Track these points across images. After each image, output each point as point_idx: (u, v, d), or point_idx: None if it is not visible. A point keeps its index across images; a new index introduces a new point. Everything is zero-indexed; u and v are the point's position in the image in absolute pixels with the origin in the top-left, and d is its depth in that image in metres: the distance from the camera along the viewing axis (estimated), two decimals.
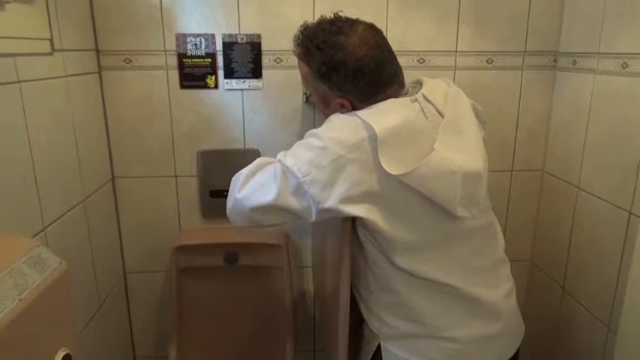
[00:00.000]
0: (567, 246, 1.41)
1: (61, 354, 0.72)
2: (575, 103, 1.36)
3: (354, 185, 0.88)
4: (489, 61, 1.46)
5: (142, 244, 1.52)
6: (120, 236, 1.51)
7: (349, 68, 0.95)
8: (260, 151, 1.47)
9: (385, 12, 1.39)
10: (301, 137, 1.46)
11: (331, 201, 0.89)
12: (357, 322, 1.17)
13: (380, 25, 1.02)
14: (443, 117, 0.94)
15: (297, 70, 1.35)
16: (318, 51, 0.97)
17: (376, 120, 0.88)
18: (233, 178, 1.02)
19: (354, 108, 0.98)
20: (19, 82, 0.95)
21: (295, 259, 1.57)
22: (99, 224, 1.34)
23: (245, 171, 1.01)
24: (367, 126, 0.88)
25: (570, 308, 1.39)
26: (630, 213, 1.14)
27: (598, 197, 1.27)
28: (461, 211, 0.92)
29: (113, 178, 1.45)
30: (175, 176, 1.48)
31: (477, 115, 1.04)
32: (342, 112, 0.97)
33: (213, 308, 1.53)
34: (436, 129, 0.92)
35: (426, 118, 0.93)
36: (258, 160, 1.02)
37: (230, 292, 1.52)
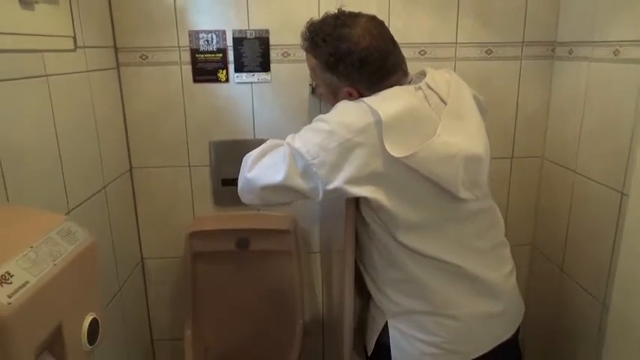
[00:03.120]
0: (565, 228, 1.46)
1: (89, 318, 0.80)
2: (572, 90, 1.42)
3: (361, 167, 0.94)
4: (489, 51, 1.51)
5: (157, 231, 1.60)
6: (137, 224, 1.59)
7: (355, 58, 1.01)
8: None
9: (387, 5, 1.45)
10: None
11: (338, 182, 0.95)
12: (367, 302, 1.23)
13: (382, 18, 1.09)
14: (446, 104, 1.00)
15: (304, 64, 1.43)
16: (324, 43, 1.04)
17: (381, 106, 0.94)
18: (244, 158, 1.10)
19: (362, 96, 1.03)
20: (47, 75, 1.04)
21: (304, 244, 1.64)
22: (118, 212, 1.43)
23: (255, 152, 1.09)
24: (373, 111, 0.94)
25: (568, 288, 1.44)
26: (622, 194, 1.19)
27: (593, 180, 1.32)
28: (463, 193, 0.97)
29: (131, 169, 1.54)
30: (189, 166, 1.56)
31: (479, 104, 1.09)
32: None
33: (226, 291, 1.61)
34: (439, 116, 0.98)
35: (430, 105, 0.99)
36: (268, 142, 1.10)
37: (242, 276, 1.60)
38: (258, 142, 1.51)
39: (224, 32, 1.45)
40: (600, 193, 1.28)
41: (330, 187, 0.96)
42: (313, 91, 1.47)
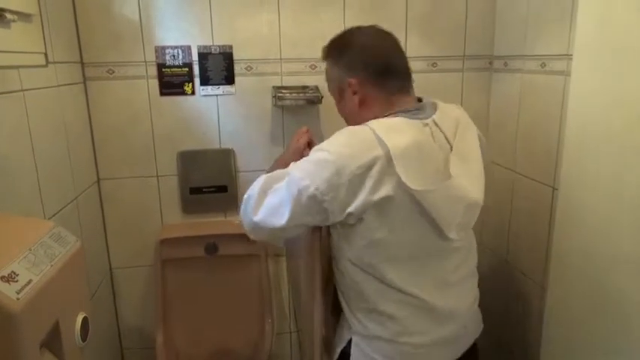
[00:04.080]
0: (508, 223, 1.62)
1: (81, 316, 0.85)
2: (508, 99, 1.59)
3: (369, 196, 0.92)
4: (434, 64, 1.66)
5: (126, 241, 1.64)
6: (105, 234, 1.62)
7: (358, 47, 1.07)
8: (235, 150, 1.62)
9: (342, 23, 1.57)
10: (272, 136, 1.64)
11: (350, 209, 0.94)
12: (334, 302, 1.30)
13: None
14: (451, 145, 1.01)
15: (266, 77, 1.54)
16: (332, 44, 1.12)
17: (390, 137, 0.93)
18: (245, 198, 1.06)
19: (365, 95, 1.05)
20: (22, 90, 1.08)
21: (271, 247, 1.72)
22: (87, 223, 1.45)
23: (255, 190, 1.04)
24: (381, 142, 0.92)
25: (512, 276, 1.60)
26: (553, 188, 1.36)
27: (529, 178, 1.48)
28: (453, 234, 1.00)
29: (98, 180, 1.57)
30: (157, 176, 1.61)
31: (482, 145, 1.09)
32: (352, 104, 1.07)
33: (196, 296, 1.66)
34: (444, 154, 1.00)
35: (435, 142, 1.00)
36: (264, 178, 1.04)
37: (211, 280, 1.66)
38: (224, 152, 1.61)
39: (189, 47, 1.52)
40: (536, 188, 1.45)
41: (340, 217, 0.96)
42: (276, 102, 1.57)
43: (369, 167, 0.92)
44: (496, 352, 1.69)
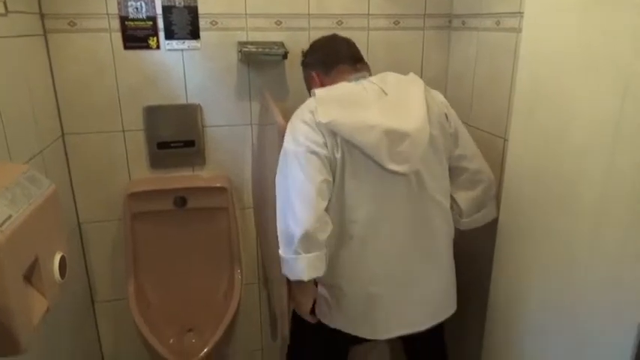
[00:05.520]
0: None
1: (59, 255, 0.89)
2: (465, 56, 1.66)
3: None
4: (396, 22, 1.71)
5: (93, 196, 1.65)
6: (72, 189, 1.62)
7: (314, 48, 1.42)
8: (201, 105, 1.64)
9: None
10: (238, 92, 1.68)
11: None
12: None
13: None
14: (387, 95, 1.23)
15: (232, 32, 1.57)
16: (303, 54, 1.46)
17: (320, 89, 1.25)
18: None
19: (321, 81, 1.36)
20: None
21: (238, 201, 1.77)
22: (53, 178, 1.45)
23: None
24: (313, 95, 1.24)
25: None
26: (504, 139, 1.46)
27: (483, 130, 1.58)
28: (390, 165, 1.17)
29: (63, 135, 1.57)
30: (123, 131, 1.61)
31: (435, 105, 1.29)
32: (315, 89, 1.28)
33: (166, 249, 1.70)
34: (375, 100, 1.21)
35: (367, 93, 1.23)
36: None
37: (181, 233, 1.70)
38: (191, 107, 1.63)
39: (153, 0, 1.51)
40: (489, 140, 1.54)
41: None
42: (241, 57, 1.59)
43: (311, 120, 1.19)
44: None
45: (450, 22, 1.75)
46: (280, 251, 1.19)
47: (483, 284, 1.55)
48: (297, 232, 1.13)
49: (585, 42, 1.06)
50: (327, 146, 1.17)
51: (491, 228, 1.44)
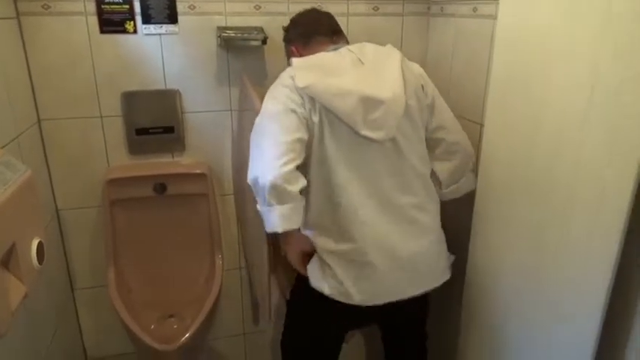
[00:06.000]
0: None
1: (36, 240, 0.89)
2: (443, 42, 1.68)
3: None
4: (376, 8, 1.72)
5: (71, 183, 1.63)
6: (50, 176, 1.61)
7: (294, 22, 1.46)
8: (180, 91, 1.63)
9: None
10: (217, 77, 1.66)
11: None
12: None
13: None
14: (363, 63, 1.26)
15: (210, 16, 1.56)
16: (284, 28, 1.49)
17: (297, 58, 1.29)
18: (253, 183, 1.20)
19: (301, 54, 1.37)
20: None
21: (219, 187, 1.77)
22: (29, 164, 1.43)
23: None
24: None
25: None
26: (481, 125, 1.48)
27: (461, 116, 1.59)
28: (365, 131, 1.21)
29: (39, 121, 1.54)
30: (101, 117, 1.59)
31: (411, 75, 1.32)
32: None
33: (147, 235, 1.70)
34: (352, 68, 1.25)
35: (343, 60, 1.27)
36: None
37: (161, 219, 1.70)
38: (170, 92, 1.62)
39: None
40: (466, 126, 1.56)
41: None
42: (221, 42, 1.57)
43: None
44: None
45: (428, 8, 1.77)
46: (257, 205, 1.21)
47: (461, 267, 1.58)
48: (266, 182, 1.13)
49: (557, 30, 1.08)
50: (305, 107, 1.22)
51: (469, 209, 1.47)
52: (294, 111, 1.20)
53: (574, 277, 1.09)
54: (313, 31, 1.40)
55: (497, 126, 1.33)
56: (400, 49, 1.76)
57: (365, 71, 1.25)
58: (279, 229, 1.18)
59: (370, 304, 1.30)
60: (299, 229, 1.25)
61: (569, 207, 1.09)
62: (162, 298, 1.76)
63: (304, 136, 1.20)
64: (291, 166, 1.15)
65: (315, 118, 1.22)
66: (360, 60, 1.28)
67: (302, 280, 1.35)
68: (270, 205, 1.16)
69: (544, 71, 1.13)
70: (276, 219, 1.17)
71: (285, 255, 1.36)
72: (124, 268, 1.70)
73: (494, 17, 1.38)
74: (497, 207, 1.35)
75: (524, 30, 1.19)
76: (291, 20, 1.48)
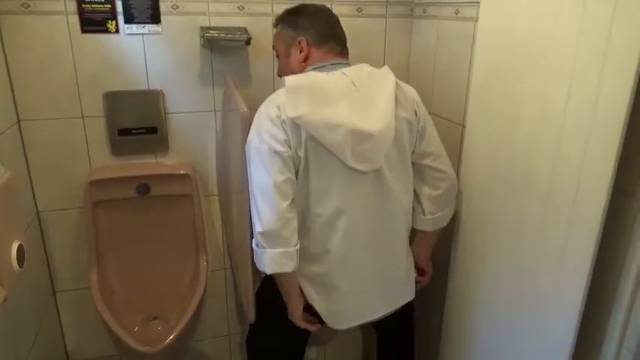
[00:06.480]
0: None
1: (16, 243, 0.88)
2: (426, 44, 1.70)
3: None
4: (359, 9, 1.73)
5: (53, 184, 1.61)
6: (30, 177, 1.58)
7: (310, 14, 1.32)
8: (163, 91, 1.62)
9: None
10: (201, 78, 1.66)
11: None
12: None
13: None
14: (357, 88, 1.21)
15: (194, 16, 1.54)
16: (287, 12, 1.37)
17: (291, 78, 1.20)
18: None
19: (309, 51, 1.29)
20: None
21: (203, 188, 1.76)
22: (9, 165, 1.41)
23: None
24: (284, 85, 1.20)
25: None
26: (462, 126, 1.50)
27: (443, 118, 1.62)
28: (352, 163, 1.19)
29: (19, 121, 1.52)
30: (82, 117, 1.58)
31: (406, 101, 1.29)
32: (297, 58, 1.30)
33: (130, 236, 1.69)
34: (345, 96, 1.19)
35: (337, 86, 1.20)
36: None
37: (145, 220, 1.69)
38: (152, 93, 1.61)
39: None
40: (449, 127, 1.59)
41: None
42: (204, 42, 1.57)
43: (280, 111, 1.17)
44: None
45: (411, 10, 1.78)
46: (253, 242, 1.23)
47: (444, 271, 1.60)
48: (258, 228, 1.18)
49: (536, 32, 1.10)
50: (289, 145, 1.18)
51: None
52: (277, 152, 1.17)
53: (550, 279, 1.12)
54: (332, 35, 1.31)
55: (478, 127, 1.35)
56: (384, 50, 1.80)
57: (358, 99, 1.21)
58: (268, 271, 1.20)
59: (342, 327, 1.36)
60: (294, 273, 1.25)
61: (547, 206, 1.11)
62: (146, 300, 1.75)
63: (291, 176, 1.20)
64: (282, 210, 1.17)
65: (301, 152, 1.19)
66: (354, 84, 1.22)
67: (269, 280, 1.36)
68: (262, 247, 1.19)
69: (523, 72, 1.15)
70: (267, 262, 1.19)
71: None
72: (106, 269, 1.68)
73: (475, 19, 1.40)
74: (478, 208, 1.37)
75: (504, 32, 1.21)
76: (306, 6, 1.36)
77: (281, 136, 1.17)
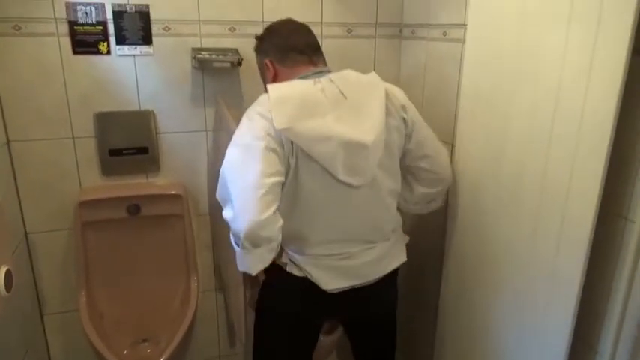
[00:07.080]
0: None
1: (4, 268, 0.87)
2: (415, 65, 1.72)
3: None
4: (349, 31, 1.76)
5: (42, 205, 1.60)
6: (19, 198, 1.57)
7: (268, 36, 1.33)
8: (154, 111, 1.62)
9: None
10: (192, 98, 1.67)
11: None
12: None
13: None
14: (346, 98, 1.17)
15: (185, 38, 1.56)
16: (257, 38, 1.38)
17: (274, 87, 1.18)
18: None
19: (276, 70, 1.29)
20: None
21: (194, 208, 1.76)
22: None
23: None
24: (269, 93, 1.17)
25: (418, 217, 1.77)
26: (452, 145, 1.52)
27: None
28: (342, 176, 1.15)
29: (8, 142, 1.51)
30: (73, 138, 1.57)
31: (395, 110, 1.25)
32: (269, 79, 1.30)
33: (120, 257, 1.67)
34: (333, 105, 1.15)
35: (325, 95, 1.16)
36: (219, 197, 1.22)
37: (135, 241, 1.68)
38: (144, 113, 1.62)
39: (103, 5, 1.49)
40: None
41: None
42: (195, 63, 1.58)
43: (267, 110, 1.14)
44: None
45: (400, 31, 1.81)
46: (232, 240, 1.16)
47: (435, 286, 1.61)
48: (241, 229, 1.07)
49: (520, 53, 1.13)
50: (284, 148, 1.13)
51: (442, 229, 1.50)
52: (274, 150, 1.12)
53: (542, 292, 1.12)
54: (292, 46, 1.27)
55: (467, 146, 1.37)
56: (374, 70, 1.81)
57: (347, 109, 1.17)
58: (253, 272, 1.15)
59: (333, 287, 1.27)
60: None
61: (537, 224, 1.12)
62: (135, 322, 1.73)
63: (282, 178, 1.14)
64: (270, 212, 1.08)
65: (292, 161, 1.15)
66: (342, 93, 1.18)
67: (263, 291, 1.34)
68: (245, 248, 1.10)
69: (510, 92, 1.17)
70: (251, 262, 1.13)
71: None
72: (95, 291, 1.66)
73: (462, 41, 1.43)
74: (469, 227, 1.38)
75: (490, 52, 1.23)
76: (267, 28, 1.36)
77: (276, 136, 1.12)
